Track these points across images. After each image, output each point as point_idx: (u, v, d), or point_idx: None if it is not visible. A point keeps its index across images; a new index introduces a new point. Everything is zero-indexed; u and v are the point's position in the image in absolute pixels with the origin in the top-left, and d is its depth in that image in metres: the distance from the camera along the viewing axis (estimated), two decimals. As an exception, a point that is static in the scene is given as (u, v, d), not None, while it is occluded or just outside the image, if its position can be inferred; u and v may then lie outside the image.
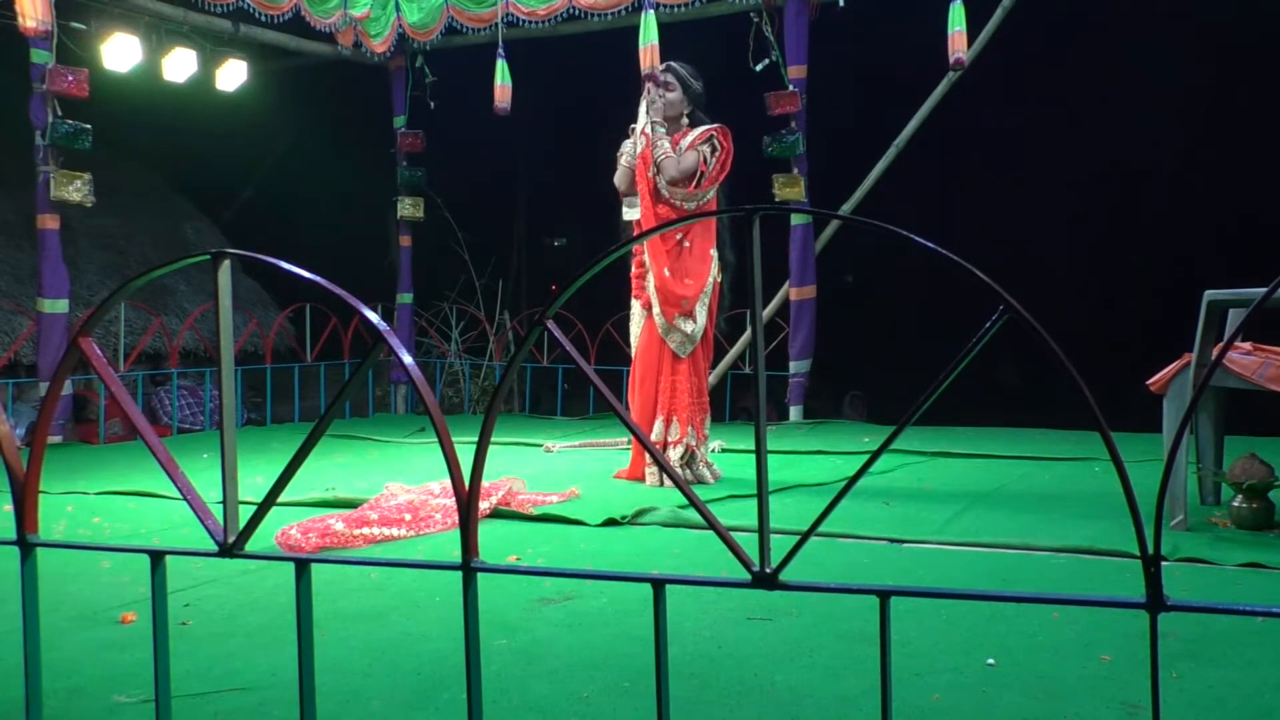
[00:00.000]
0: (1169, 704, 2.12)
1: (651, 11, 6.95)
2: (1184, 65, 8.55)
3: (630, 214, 5.22)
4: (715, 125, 5.15)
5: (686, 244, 5.12)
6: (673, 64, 5.23)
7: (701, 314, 5.10)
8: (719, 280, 5.20)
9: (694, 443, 5.05)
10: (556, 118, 11.37)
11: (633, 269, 5.24)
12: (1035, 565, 3.35)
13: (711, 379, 8.20)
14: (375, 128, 9.19)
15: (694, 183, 5.08)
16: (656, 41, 6.77)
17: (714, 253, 5.16)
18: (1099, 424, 1.13)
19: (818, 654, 2.48)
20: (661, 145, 5.07)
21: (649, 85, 5.17)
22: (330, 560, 1.48)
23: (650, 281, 5.11)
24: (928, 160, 8.32)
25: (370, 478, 5.23)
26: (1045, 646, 2.50)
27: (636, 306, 5.25)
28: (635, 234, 5.20)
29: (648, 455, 4.99)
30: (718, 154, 5.10)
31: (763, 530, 1.26)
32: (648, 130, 5.12)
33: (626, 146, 5.22)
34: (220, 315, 1.44)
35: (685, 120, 5.19)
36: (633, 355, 5.28)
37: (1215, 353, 3.55)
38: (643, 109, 5.18)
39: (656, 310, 5.09)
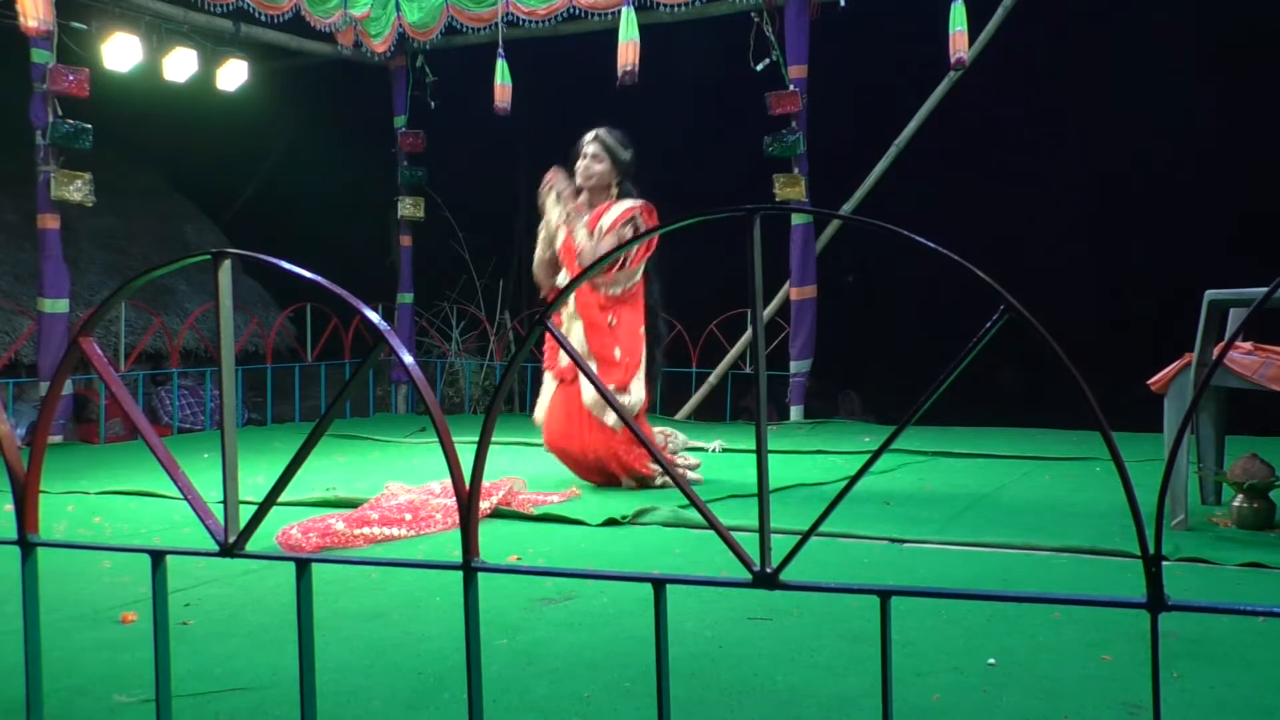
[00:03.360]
0: (1170, 704, 2.12)
1: (631, 9, 6.93)
2: (1185, 64, 8.54)
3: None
4: (639, 203, 4.84)
5: (613, 322, 4.84)
6: (600, 133, 4.91)
7: (637, 388, 4.81)
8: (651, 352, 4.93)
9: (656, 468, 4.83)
10: (557, 118, 11.35)
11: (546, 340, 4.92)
12: (1036, 565, 3.35)
13: (712, 378, 8.24)
14: (375, 128, 9.19)
15: (617, 266, 4.79)
16: (637, 38, 6.73)
17: (643, 331, 4.88)
18: (1100, 424, 1.13)
19: (818, 654, 2.48)
20: (579, 235, 4.81)
21: (557, 175, 4.94)
22: (331, 560, 1.48)
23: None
24: (929, 160, 8.32)
25: (371, 477, 5.23)
26: (1046, 646, 2.50)
27: (548, 378, 4.97)
28: (554, 298, 5.00)
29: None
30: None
31: (763, 530, 1.26)
32: (563, 222, 4.87)
33: (542, 233, 4.97)
34: (221, 315, 1.44)
35: (615, 190, 4.89)
36: (543, 432, 4.98)
37: (1216, 352, 3.55)
38: (550, 200, 4.92)
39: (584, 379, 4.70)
